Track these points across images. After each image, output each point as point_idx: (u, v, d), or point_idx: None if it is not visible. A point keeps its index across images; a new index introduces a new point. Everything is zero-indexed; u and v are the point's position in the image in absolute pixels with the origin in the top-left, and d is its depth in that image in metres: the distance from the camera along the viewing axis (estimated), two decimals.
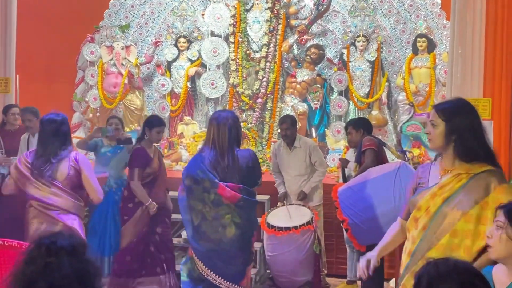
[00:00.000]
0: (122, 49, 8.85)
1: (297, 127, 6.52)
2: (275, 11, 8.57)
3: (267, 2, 8.58)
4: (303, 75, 8.54)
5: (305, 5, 8.79)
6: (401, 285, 2.92)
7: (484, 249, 2.58)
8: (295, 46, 8.72)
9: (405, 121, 8.07)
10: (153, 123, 5.42)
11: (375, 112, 8.51)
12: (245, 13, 8.67)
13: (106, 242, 6.05)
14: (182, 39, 8.85)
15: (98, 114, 8.86)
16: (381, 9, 8.89)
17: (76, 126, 9.06)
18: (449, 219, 2.74)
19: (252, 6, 8.68)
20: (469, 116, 2.82)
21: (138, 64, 8.98)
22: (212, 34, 8.89)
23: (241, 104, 8.60)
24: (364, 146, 5.28)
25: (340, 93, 8.60)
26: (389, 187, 4.30)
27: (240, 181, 4.26)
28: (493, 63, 6.01)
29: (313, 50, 8.55)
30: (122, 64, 8.84)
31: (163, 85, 8.87)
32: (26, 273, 1.74)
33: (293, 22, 8.70)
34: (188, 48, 8.89)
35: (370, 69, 8.56)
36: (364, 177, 4.65)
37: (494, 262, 2.45)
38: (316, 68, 8.69)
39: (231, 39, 8.69)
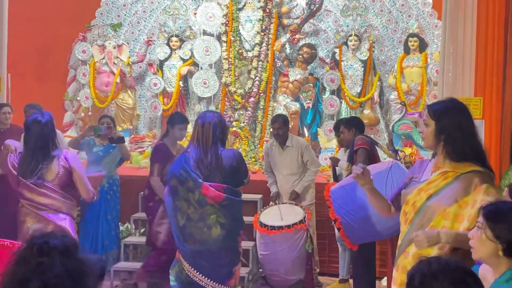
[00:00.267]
0: (114, 48, 8.83)
1: (289, 126, 6.53)
2: (267, 10, 8.57)
3: (259, 1, 8.58)
4: (296, 74, 8.55)
5: (297, 4, 8.81)
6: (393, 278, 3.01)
7: (458, 248, 2.67)
8: (287, 45, 8.73)
9: (397, 120, 8.10)
10: (175, 120, 5.45)
11: (367, 111, 8.53)
12: (238, 12, 8.67)
13: (98, 242, 6.05)
14: (174, 38, 8.84)
15: (90, 113, 8.84)
16: (373, 9, 8.91)
17: (68, 125, 9.04)
18: (429, 214, 2.82)
19: (244, 5, 8.68)
20: (459, 116, 2.87)
21: (130, 63, 8.96)
22: (205, 33, 8.88)
23: (233, 103, 8.60)
24: (356, 145, 5.29)
25: (332, 92, 8.62)
26: (381, 186, 4.30)
27: (223, 181, 4.21)
28: (484, 63, 6.04)
29: (305, 49, 8.56)
30: (114, 63, 8.82)
31: (155, 84, 8.85)
32: (17, 273, 1.73)
33: (286, 21, 8.71)
34: (180, 47, 8.88)
35: (362, 68, 8.58)
36: None
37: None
38: (308, 67, 8.70)
39: (224, 38, 8.70)
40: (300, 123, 8.61)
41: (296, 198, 5.99)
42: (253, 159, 7.96)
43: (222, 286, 4.29)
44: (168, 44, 8.89)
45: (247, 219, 5.91)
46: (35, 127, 4.24)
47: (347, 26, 8.66)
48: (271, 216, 5.68)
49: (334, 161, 5.97)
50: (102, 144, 6.08)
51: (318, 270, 6.27)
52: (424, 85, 8.31)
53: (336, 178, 5.94)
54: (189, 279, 4.27)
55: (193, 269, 4.24)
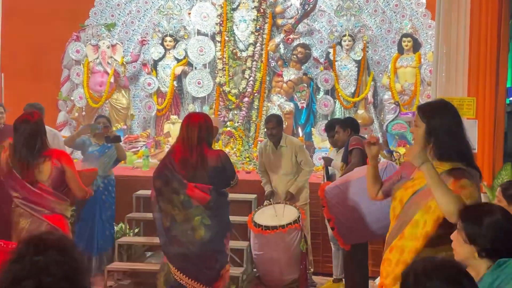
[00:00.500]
0: (108, 47, 8.82)
1: (283, 126, 6.54)
2: (262, 10, 8.58)
3: (253, 1, 8.59)
4: (290, 74, 8.56)
5: (291, 5, 8.82)
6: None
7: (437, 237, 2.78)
8: (281, 45, 8.74)
9: (391, 120, 8.13)
10: None
11: (361, 111, 8.56)
12: (232, 12, 8.67)
13: (94, 242, 6.04)
14: (168, 38, 8.84)
15: (83, 113, 8.82)
16: (367, 9, 8.93)
17: (62, 125, 9.01)
18: (413, 208, 2.91)
19: (238, 5, 8.68)
20: (447, 116, 2.95)
21: (124, 63, 8.95)
22: (199, 33, 8.88)
23: (227, 103, 8.60)
24: (351, 146, 5.29)
25: (326, 92, 8.64)
26: None
27: (209, 181, 4.16)
28: (478, 63, 6.07)
29: (299, 49, 8.57)
30: (108, 63, 8.80)
31: (149, 84, 8.85)
32: (13, 271, 1.73)
33: (280, 21, 8.72)
34: (174, 47, 8.87)
35: (356, 69, 8.60)
36: (351, 176, 4.67)
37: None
38: (302, 67, 8.72)
39: (218, 38, 8.70)
40: (294, 123, 8.62)
41: (291, 199, 5.99)
42: (247, 159, 7.97)
43: None
44: (162, 44, 8.88)
45: (241, 219, 5.94)
46: (24, 127, 4.22)
47: (341, 26, 8.68)
48: (265, 216, 5.68)
49: (327, 161, 5.97)
50: (97, 143, 6.07)
51: (312, 269, 6.28)
52: (418, 85, 8.34)
53: (329, 178, 5.95)
54: (177, 282, 4.22)
55: (180, 272, 4.18)
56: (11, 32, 7.68)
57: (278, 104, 8.47)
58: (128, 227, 6.63)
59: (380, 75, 8.84)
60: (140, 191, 6.67)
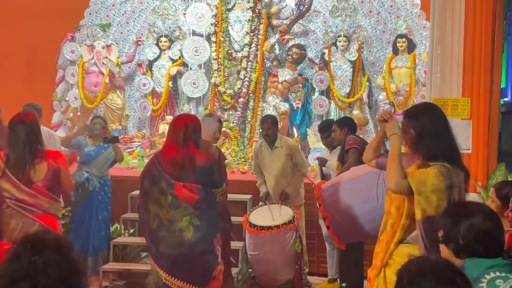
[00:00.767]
0: (103, 48, 8.81)
1: (279, 126, 6.54)
2: (257, 10, 8.58)
3: (248, 2, 8.58)
4: (285, 74, 8.57)
5: (286, 5, 8.82)
6: None
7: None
8: (276, 46, 8.75)
9: (380, 120, 8.12)
10: None
11: (356, 112, 8.57)
12: (227, 12, 8.67)
13: (89, 242, 6.03)
14: (163, 38, 8.83)
15: (78, 113, 8.81)
16: (361, 10, 8.94)
17: (57, 125, 8.98)
18: (389, 201, 3.14)
19: (233, 6, 8.68)
20: (430, 118, 3.06)
21: (119, 63, 8.94)
22: (194, 33, 8.88)
23: (223, 103, 8.60)
24: (348, 145, 5.29)
25: (322, 93, 8.65)
26: (372, 186, 4.32)
27: (196, 181, 4.12)
28: (472, 64, 6.10)
29: (294, 50, 8.58)
30: (103, 63, 8.79)
31: (144, 85, 8.84)
32: (9, 270, 1.73)
33: (275, 22, 8.72)
34: (169, 47, 8.86)
35: (351, 69, 8.61)
36: (347, 175, 4.67)
37: None
38: (297, 67, 8.72)
39: (213, 38, 8.69)
40: (290, 124, 8.62)
41: (286, 199, 6.00)
42: (243, 160, 7.97)
43: None
44: (157, 45, 8.87)
45: (236, 219, 5.94)
46: (19, 127, 4.22)
47: (336, 27, 8.69)
48: (260, 216, 5.68)
49: (322, 162, 5.96)
50: (94, 144, 6.06)
51: (307, 270, 6.29)
52: (413, 85, 8.36)
53: (324, 178, 5.95)
54: (168, 286, 4.12)
55: (170, 276, 4.10)
56: (5, 32, 7.67)
57: (273, 105, 8.47)
58: (123, 228, 6.63)
59: (375, 75, 8.85)
60: (135, 192, 6.65)
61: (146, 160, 7.59)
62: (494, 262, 2.20)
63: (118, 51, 9.06)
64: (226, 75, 8.61)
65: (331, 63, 8.63)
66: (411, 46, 8.47)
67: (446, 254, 2.33)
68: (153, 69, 8.90)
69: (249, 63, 8.54)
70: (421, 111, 3.16)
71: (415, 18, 8.74)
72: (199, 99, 8.86)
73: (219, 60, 8.61)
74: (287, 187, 6.05)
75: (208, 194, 4.18)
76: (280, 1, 8.78)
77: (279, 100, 8.55)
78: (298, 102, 8.62)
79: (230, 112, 8.55)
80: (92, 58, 8.82)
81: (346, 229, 4.42)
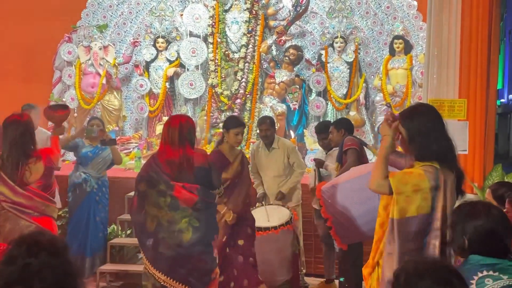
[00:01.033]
0: (100, 49, 8.80)
1: (276, 127, 6.54)
2: (254, 12, 8.59)
3: (245, 3, 8.59)
4: (282, 76, 8.58)
5: (283, 6, 8.83)
6: None
7: None
8: (273, 47, 8.76)
9: (382, 122, 8.13)
10: (229, 125, 5.06)
11: (352, 113, 8.58)
12: (224, 13, 8.67)
13: (87, 243, 6.03)
14: (160, 40, 8.83)
15: (75, 114, 8.80)
16: (358, 11, 8.96)
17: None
18: (382, 202, 3.17)
19: (230, 7, 8.69)
20: (423, 119, 3.08)
21: (116, 64, 8.93)
22: (191, 34, 8.88)
23: (220, 104, 8.60)
24: (346, 146, 5.29)
25: (319, 94, 8.66)
26: None
27: (195, 181, 4.10)
28: (469, 65, 6.11)
29: (291, 51, 8.59)
30: (100, 64, 8.78)
31: (141, 86, 8.83)
32: (5, 274, 1.71)
33: (272, 23, 8.73)
34: (166, 48, 8.87)
35: (348, 70, 8.63)
36: (346, 176, 4.68)
37: None
38: (294, 69, 8.73)
39: (210, 39, 8.70)
40: (287, 125, 8.63)
41: (282, 198, 6.00)
42: None
43: None
44: (154, 46, 8.87)
45: None
46: (14, 127, 4.22)
47: (333, 28, 8.71)
48: (257, 217, 5.67)
49: (319, 163, 5.95)
50: (91, 144, 6.06)
51: (304, 271, 6.29)
52: (409, 87, 8.37)
53: (321, 180, 5.94)
54: None
55: (169, 278, 4.07)
56: (2, 32, 7.66)
57: (270, 106, 8.48)
58: (120, 229, 6.62)
59: (372, 76, 8.87)
60: (132, 193, 6.61)
61: (144, 161, 7.60)
62: (497, 261, 2.22)
63: (115, 52, 9.05)
64: (223, 76, 8.61)
65: (328, 64, 8.65)
66: (407, 47, 8.48)
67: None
68: (150, 70, 8.90)
69: (246, 64, 8.55)
70: (413, 111, 3.18)
71: (412, 19, 8.76)
72: (196, 100, 8.87)
73: (216, 61, 8.62)
74: (284, 187, 6.06)
75: (207, 194, 4.16)
76: (277, 2, 8.79)
77: (276, 101, 8.55)
78: (295, 103, 8.63)
79: (227, 113, 8.54)
80: (89, 59, 8.81)
81: (348, 230, 4.42)
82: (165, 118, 8.67)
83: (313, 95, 8.74)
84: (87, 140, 6.05)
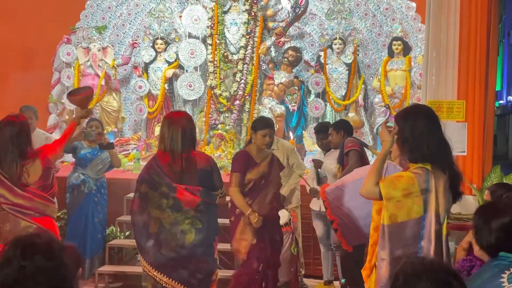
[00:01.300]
0: (99, 50, 8.80)
1: (275, 129, 6.53)
2: (253, 13, 8.59)
3: (244, 4, 8.59)
4: (281, 77, 8.58)
5: (282, 8, 8.83)
6: None
7: None
8: (272, 48, 8.76)
9: (381, 123, 8.15)
10: (257, 126, 4.96)
11: (351, 114, 8.58)
12: (223, 15, 8.67)
13: (86, 244, 6.03)
14: (159, 41, 8.83)
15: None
16: (357, 12, 8.96)
17: (52, 128, 8.96)
18: (375, 206, 3.22)
19: (229, 8, 8.69)
20: (416, 120, 3.07)
21: (115, 66, 8.93)
22: (190, 36, 8.88)
23: (218, 106, 8.60)
24: (347, 147, 5.29)
25: (317, 95, 8.66)
26: None
27: (198, 183, 4.08)
28: (467, 66, 6.11)
29: (290, 52, 8.59)
30: (99, 65, 8.78)
31: (140, 87, 8.83)
32: (0, 276, 1.70)
33: (271, 24, 8.73)
34: (165, 49, 8.87)
35: (347, 72, 8.63)
36: (350, 177, 4.67)
37: None
38: (293, 70, 8.73)
39: (209, 41, 8.70)
40: (285, 126, 8.63)
41: (282, 201, 5.99)
42: None
43: None
44: (153, 47, 8.87)
45: None
46: (9, 128, 4.21)
47: (332, 29, 8.71)
48: None
49: (317, 164, 5.95)
50: (90, 146, 6.06)
51: (303, 272, 6.29)
52: (408, 88, 8.38)
53: (319, 180, 5.93)
54: None
55: (171, 279, 4.06)
56: (1, 34, 7.66)
57: (269, 107, 8.48)
58: (119, 230, 6.62)
59: (371, 78, 8.87)
60: (131, 194, 6.63)
61: (142, 163, 7.60)
62: None
63: (114, 54, 9.04)
64: (222, 78, 8.61)
65: (327, 66, 8.65)
66: (406, 49, 8.49)
67: (479, 253, 2.39)
68: (149, 71, 8.90)
69: (245, 65, 8.55)
70: (408, 113, 3.18)
71: (411, 20, 8.76)
72: (195, 102, 8.87)
73: (215, 62, 8.62)
74: (284, 189, 6.05)
75: (209, 196, 4.15)
76: (276, 4, 8.79)
77: (275, 102, 8.56)
78: (294, 104, 8.63)
79: (226, 115, 8.55)
80: (88, 61, 8.80)
81: (354, 231, 4.41)
82: None
83: (312, 96, 8.74)
84: (85, 142, 6.04)
